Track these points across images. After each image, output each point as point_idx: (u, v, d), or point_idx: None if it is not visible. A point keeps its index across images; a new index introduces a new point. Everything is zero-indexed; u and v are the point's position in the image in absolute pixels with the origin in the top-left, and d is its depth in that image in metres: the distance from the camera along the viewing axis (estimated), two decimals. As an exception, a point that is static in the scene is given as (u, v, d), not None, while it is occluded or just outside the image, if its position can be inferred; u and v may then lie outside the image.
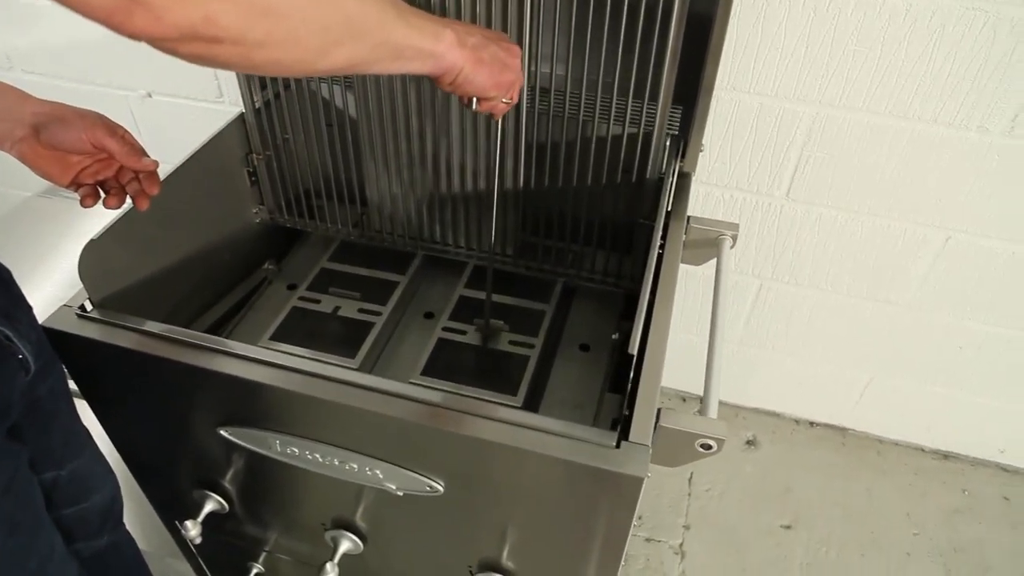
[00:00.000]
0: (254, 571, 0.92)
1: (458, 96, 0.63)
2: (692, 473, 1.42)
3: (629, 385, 0.60)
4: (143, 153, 0.67)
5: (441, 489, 0.64)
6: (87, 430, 0.79)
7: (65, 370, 0.72)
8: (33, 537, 0.66)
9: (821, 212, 1.19)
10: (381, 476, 0.65)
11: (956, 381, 1.35)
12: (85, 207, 0.66)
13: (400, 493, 0.66)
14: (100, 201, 0.67)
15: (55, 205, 1.40)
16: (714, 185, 1.21)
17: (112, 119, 0.67)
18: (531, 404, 0.79)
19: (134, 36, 0.37)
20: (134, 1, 0.36)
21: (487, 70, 0.59)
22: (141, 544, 0.94)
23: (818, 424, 1.51)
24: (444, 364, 0.81)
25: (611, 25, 0.70)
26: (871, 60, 1.01)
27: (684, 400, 1.55)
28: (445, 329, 0.84)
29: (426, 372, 0.80)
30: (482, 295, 0.89)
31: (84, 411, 0.78)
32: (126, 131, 0.67)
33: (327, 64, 0.46)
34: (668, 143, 0.78)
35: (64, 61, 1.44)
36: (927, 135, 1.06)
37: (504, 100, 0.63)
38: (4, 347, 0.60)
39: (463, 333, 0.84)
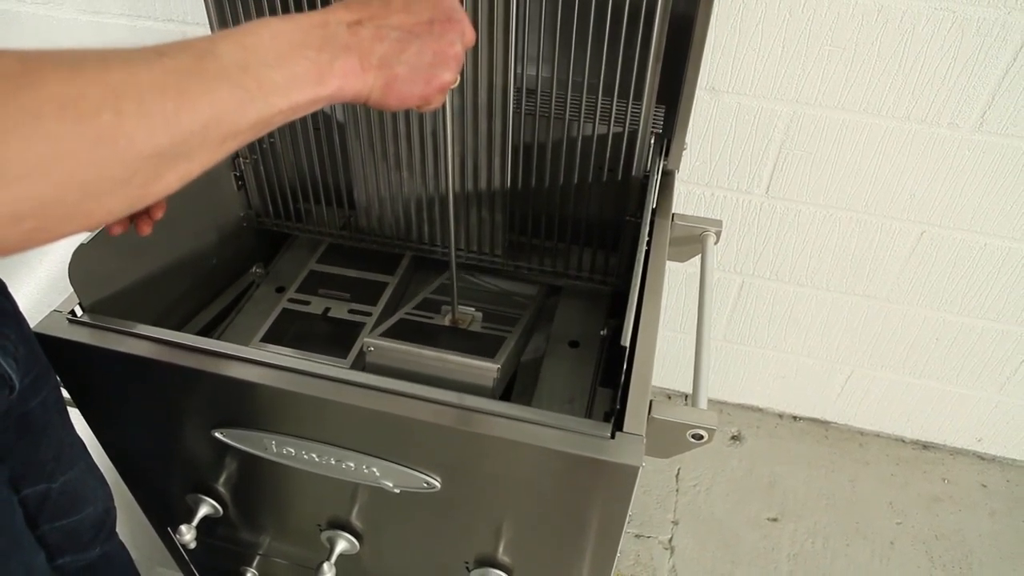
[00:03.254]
0: (247, 575, 0.91)
1: None
2: (679, 469, 1.44)
3: (622, 377, 0.61)
4: None
5: (438, 485, 0.65)
6: (81, 442, 0.78)
7: (59, 381, 0.71)
8: (5, 561, 0.65)
9: (800, 209, 1.21)
10: (378, 474, 0.66)
11: (933, 372, 1.38)
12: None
13: (397, 491, 0.67)
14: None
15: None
16: (695, 184, 1.23)
17: None
18: (512, 382, 0.79)
19: None
20: None
21: (405, 87, 0.45)
22: (132, 551, 0.93)
23: (801, 418, 1.54)
24: (416, 335, 0.81)
25: (595, 26, 0.71)
26: (845, 59, 1.04)
27: (669, 397, 1.57)
28: (408, 314, 0.84)
29: (387, 335, 0.78)
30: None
31: (76, 421, 0.77)
32: None
33: (163, 187, 0.34)
34: (652, 141, 0.80)
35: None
36: (900, 132, 1.09)
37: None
38: None
39: (430, 318, 0.84)
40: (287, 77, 0.38)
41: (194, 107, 0.33)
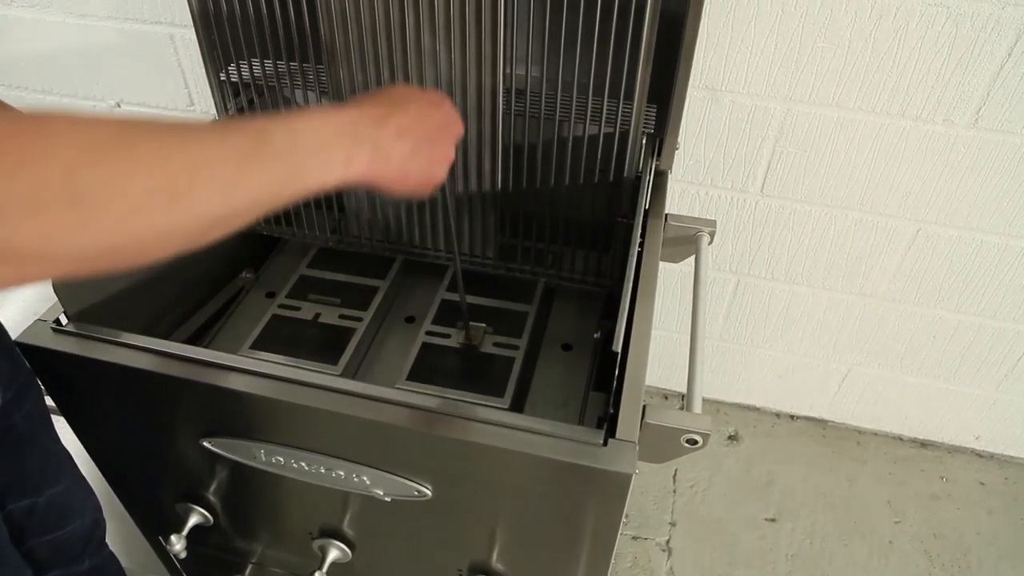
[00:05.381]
0: (240, 584, 0.90)
1: None
2: (676, 470, 1.43)
3: (614, 383, 0.60)
4: None
5: (429, 493, 0.64)
6: (67, 453, 0.77)
7: (43, 392, 0.70)
8: None
9: (795, 207, 1.21)
10: (368, 482, 0.65)
11: (931, 370, 1.37)
12: None
13: (388, 499, 0.66)
14: None
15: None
16: (689, 183, 1.22)
17: None
18: (517, 405, 0.79)
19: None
20: None
21: (412, 182, 0.54)
22: (123, 561, 0.92)
23: (798, 417, 1.53)
24: (429, 368, 0.81)
25: (585, 25, 0.70)
26: (839, 56, 1.03)
27: (666, 398, 1.56)
28: (428, 333, 0.84)
29: (412, 377, 0.79)
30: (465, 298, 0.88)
31: (63, 430, 0.76)
32: None
33: (207, 240, 0.40)
34: (644, 142, 0.79)
35: (27, 72, 1.41)
36: (895, 128, 1.08)
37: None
38: None
39: (447, 336, 0.84)
40: (323, 163, 0.45)
41: (249, 181, 0.40)
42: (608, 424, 0.59)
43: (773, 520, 1.35)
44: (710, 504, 1.37)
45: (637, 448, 0.57)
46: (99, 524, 0.84)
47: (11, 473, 0.68)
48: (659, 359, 1.51)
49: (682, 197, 1.24)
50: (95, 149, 0.33)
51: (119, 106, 1.42)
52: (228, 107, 0.86)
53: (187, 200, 0.37)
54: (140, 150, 0.35)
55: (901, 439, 1.50)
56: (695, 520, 1.34)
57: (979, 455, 1.48)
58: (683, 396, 1.55)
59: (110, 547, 0.88)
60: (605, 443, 0.57)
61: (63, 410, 0.73)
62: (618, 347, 0.59)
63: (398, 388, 0.78)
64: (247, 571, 0.89)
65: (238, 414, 0.65)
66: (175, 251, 0.39)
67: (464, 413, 0.59)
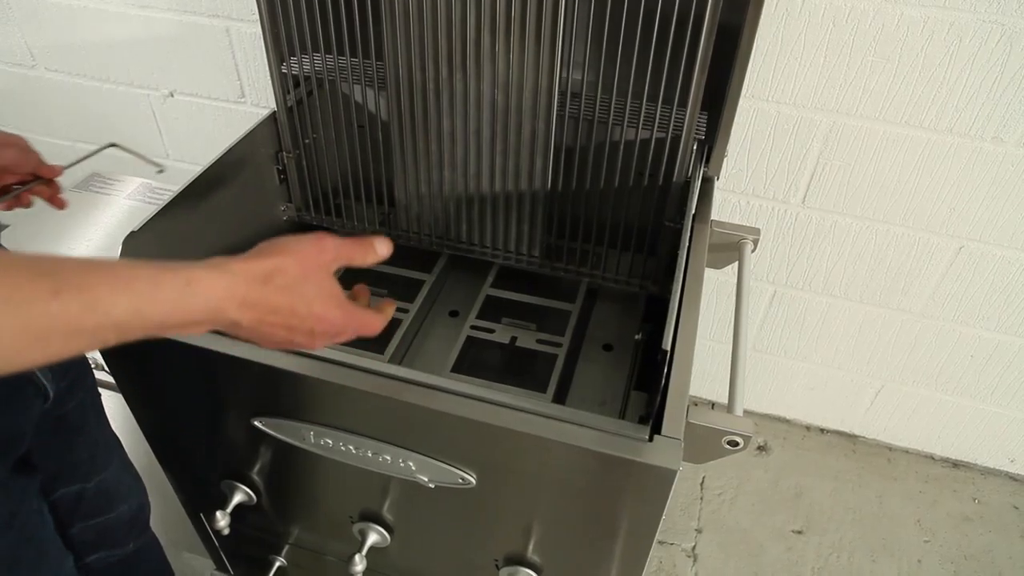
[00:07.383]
0: (276, 564, 0.92)
1: None
2: (704, 477, 1.43)
3: (662, 380, 0.61)
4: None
5: (473, 481, 0.65)
6: (116, 439, 0.80)
7: (96, 381, 0.72)
8: (34, 571, 0.65)
9: (836, 220, 1.20)
10: (414, 468, 0.66)
11: (967, 390, 1.36)
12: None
13: (432, 485, 0.67)
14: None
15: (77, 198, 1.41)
16: (731, 191, 1.22)
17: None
18: (559, 401, 0.80)
19: None
20: None
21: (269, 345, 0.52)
22: (161, 538, 0.94)
23: (829, 431, 1.52)
24: (472, 362, 0.83)
25: (643, 32, 0.72)
26: (888, 71, 1.03)
27: (696, 404, 1.55)
28: (473, 328, 0.86)
29: (456, 369, 0.81)
30: (508, 295, 0.90)
31: (112, 413, 0.79)
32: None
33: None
34: (694, 148, 0.80)
35: (87, 60, 1.46)
36: (942, 145, 1.08)
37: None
38: (18, 376, 0.60)
39: (491, 332, 0.85)
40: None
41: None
42: (653, 421, 0.60)
43: (800, 532, 1.34)
44: (737, 513, 1.37)
45: (682, 445, 0.58)
46: (144, 508, 0.86)
47: (62, 460, 0.71)
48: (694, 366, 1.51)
49: (723, 206, 1.24)
50: None
51: (172, 95, 1.46)
52: (287, 98, 0.89)
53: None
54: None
55: (933, 458, 1.49)
56: (721, 528, 1.34)
57: (1014, 478, 1.46)
58: (712, 404, 1.55)
59: (152, 529, 0.91)
60: (650, 438, 0.58)
61: (121, 386, 0.76)
62: (667, 345, 0.60)
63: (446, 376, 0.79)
64: (284, 551, 0.91)
65: (290, 395, 0.67)
66: None
67: (513, 403, 0.60)
